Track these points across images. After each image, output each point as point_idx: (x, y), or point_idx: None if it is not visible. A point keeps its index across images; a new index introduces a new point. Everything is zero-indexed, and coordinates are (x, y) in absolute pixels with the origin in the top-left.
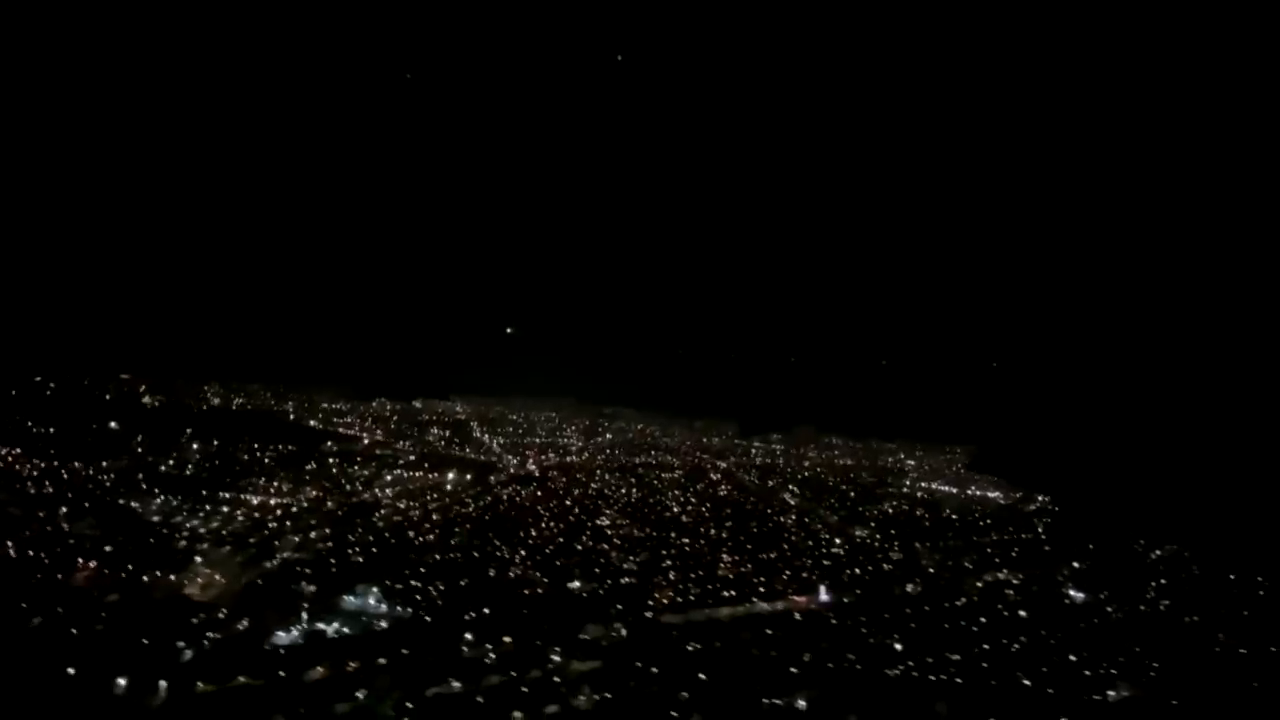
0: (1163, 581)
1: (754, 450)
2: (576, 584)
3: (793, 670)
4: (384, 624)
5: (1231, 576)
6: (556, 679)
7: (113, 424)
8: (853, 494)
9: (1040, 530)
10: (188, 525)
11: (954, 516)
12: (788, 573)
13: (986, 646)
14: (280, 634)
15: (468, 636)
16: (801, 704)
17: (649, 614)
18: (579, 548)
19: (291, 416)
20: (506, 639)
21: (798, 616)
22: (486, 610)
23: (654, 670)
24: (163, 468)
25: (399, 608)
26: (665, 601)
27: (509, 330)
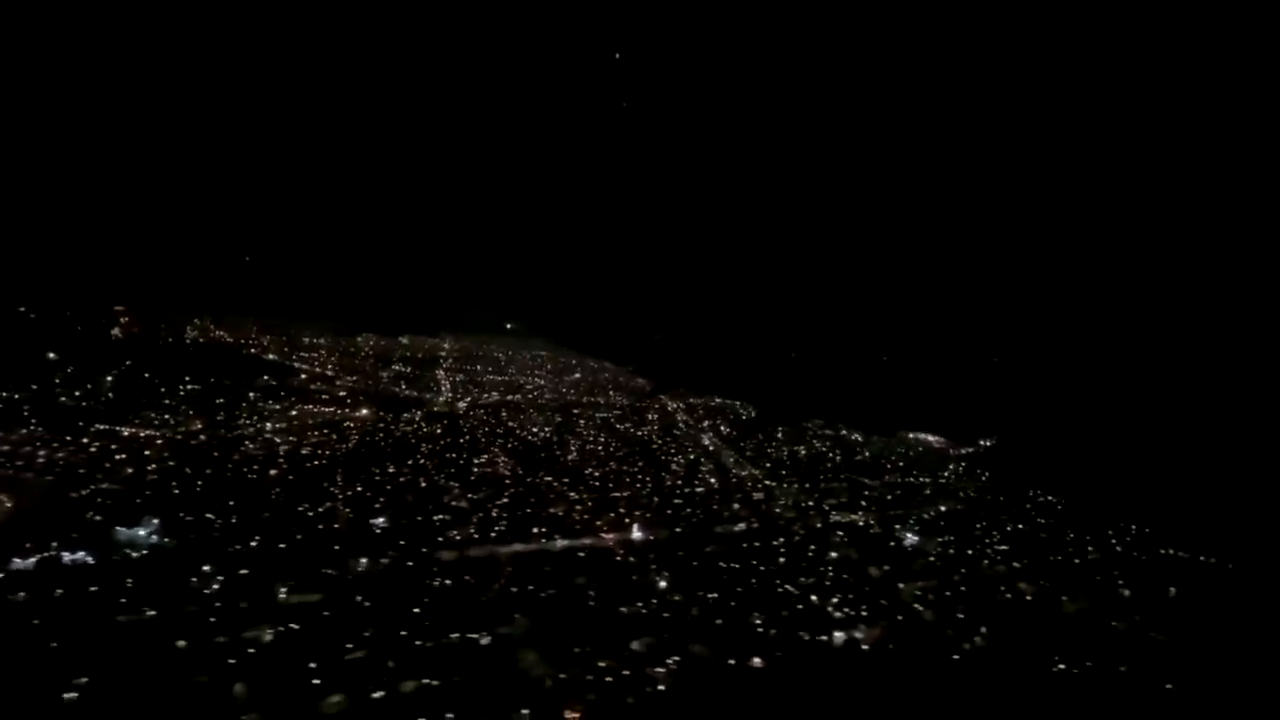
0: (1019, 527)
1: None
2: (380, 520)
3: (510, 607)
4: (134, 554)
5: (1091, 537)
6: (256, 611)
7: (51, 355)
8: (779, 435)
9: (943, 477)
10: (30, 456)
11: (867, 457)
12: (622, 510)
13: (754, 582)
14: (17, 560)
15: (205, 569)
16: (485, 640)
17: (425, 549)
18: (423, 485)
19: (253, 350)
20: (243, 571)
21: (581, 555)
22: (252, 544)
23: (366, 604)
24: (64, 399)
25: (166, 540)
26: (459, 538)
27: (509, 326)
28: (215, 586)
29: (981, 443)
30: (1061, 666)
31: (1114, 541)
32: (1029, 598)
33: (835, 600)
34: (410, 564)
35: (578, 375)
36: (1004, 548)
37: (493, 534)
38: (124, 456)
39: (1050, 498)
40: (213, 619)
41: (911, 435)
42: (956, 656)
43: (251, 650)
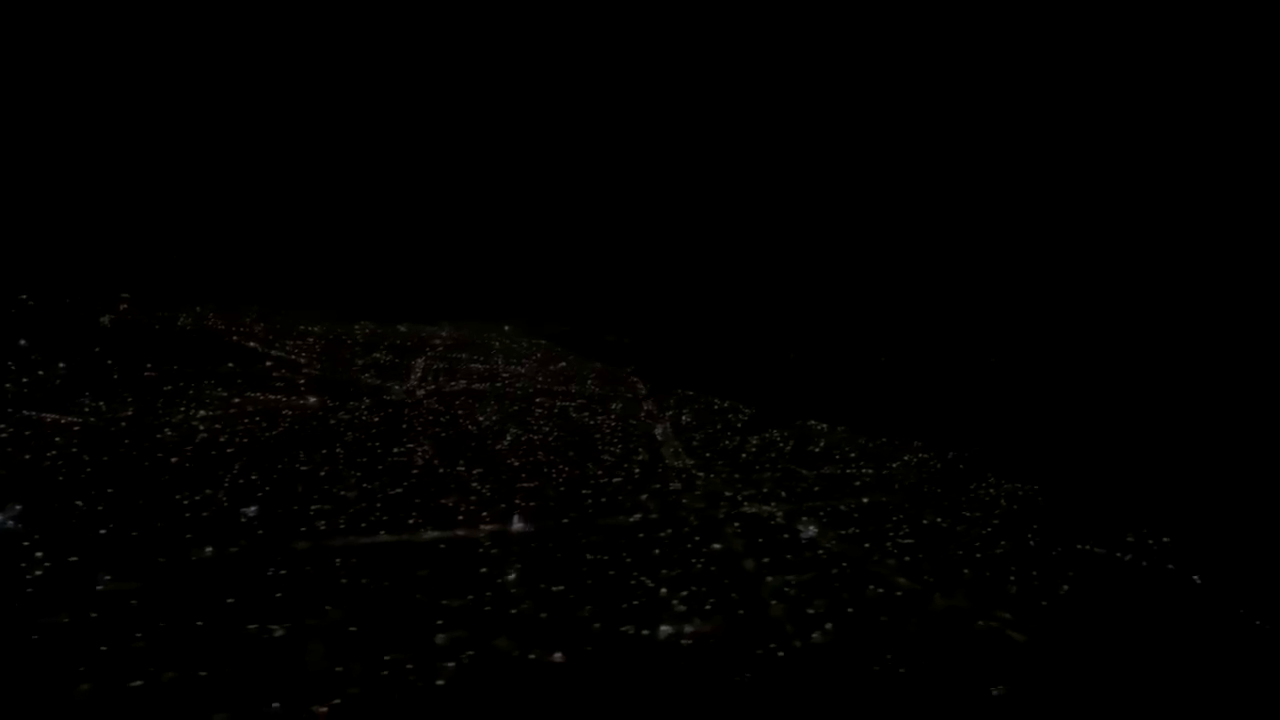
0: (938, 521)
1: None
2: (251, 509)
3: (329, 599)
4: None
5: (1010, 531)
6: (63, 599)
7: (22, 341)
8: (739, 426)
9: (889, 468)
10: None
11: (820, 448)
12: (519, 501)
13: (611, 574)
14: None
15: (38, 554)
16: (280, 632)
17: (281, 540)
18: (322, 474)
19: (234, 337)
20: (73, 559)
21: (442, 546)
22: (102, 531)
23: (181, 594)
24: (8, 385)
25: (20, 525)
26: (324, 528)
27: (507, 327)
28: (38, 573)
29: (957, 442)
30: (885, 666)
31: (1029, 536)
32: (899, 594)
33: (685, 594)
34: (255, 554)
35: (563, 365)
36: (908, 542)
37: (363, 525)
38: (30, 442)
39: (993, 491)
40: (14, 605)
41: (881, 429)
42: (781, 654)
43: (35, 637)
